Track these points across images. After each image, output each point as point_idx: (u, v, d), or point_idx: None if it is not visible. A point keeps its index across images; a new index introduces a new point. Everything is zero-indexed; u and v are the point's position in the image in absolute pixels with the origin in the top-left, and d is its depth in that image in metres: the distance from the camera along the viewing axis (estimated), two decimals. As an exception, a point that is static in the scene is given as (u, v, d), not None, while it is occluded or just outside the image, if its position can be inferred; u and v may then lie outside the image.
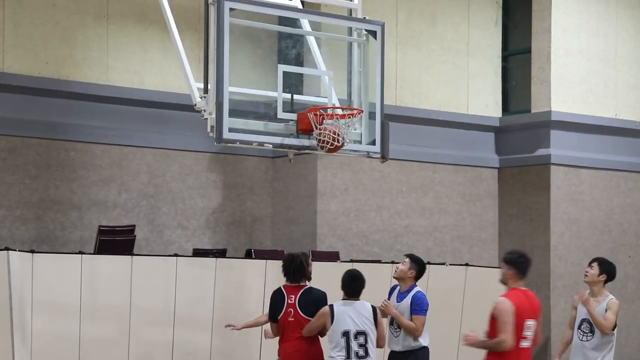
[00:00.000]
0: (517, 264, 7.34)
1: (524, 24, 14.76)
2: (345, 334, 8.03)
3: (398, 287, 8.81)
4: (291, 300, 8.14)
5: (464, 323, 12.64)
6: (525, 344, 7.13)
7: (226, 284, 11.09)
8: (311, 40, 10.61)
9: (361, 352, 8.08)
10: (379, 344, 8.25)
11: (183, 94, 11.33)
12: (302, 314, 8.13)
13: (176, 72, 12.39)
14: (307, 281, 8.29)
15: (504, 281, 7.38)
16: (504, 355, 7.04)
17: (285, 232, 13.65)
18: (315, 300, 8.16)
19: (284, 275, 8.27)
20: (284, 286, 8.26)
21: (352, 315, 8.04)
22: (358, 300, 8.19)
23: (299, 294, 8.16)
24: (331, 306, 8.09)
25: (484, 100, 14.70)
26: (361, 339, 8.08)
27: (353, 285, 8.18)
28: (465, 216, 14.45)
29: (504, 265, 7.38)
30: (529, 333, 7.15)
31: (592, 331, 8.74)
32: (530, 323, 7.15)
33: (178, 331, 10.80)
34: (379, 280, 10.17)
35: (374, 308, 8.23)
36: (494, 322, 7.08)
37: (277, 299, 8.23)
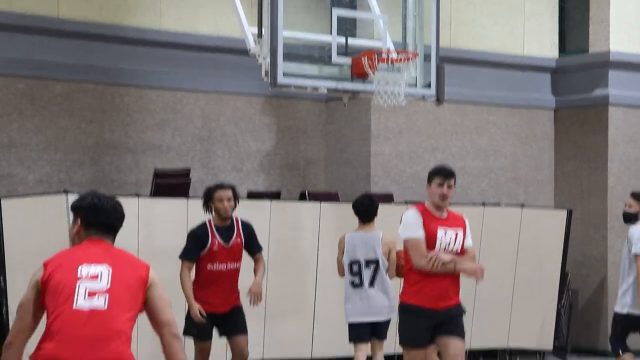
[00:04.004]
0: None
1: (581, -38, 14.45)
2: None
3: None
4: None
5: (519, 264, 12.61)
6: None
7: (281, 226, 11.15)
8: (365, -17, 10.51)
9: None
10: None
11: (236, 38, 11.29)
12: None
13: (229, 17, 12.35)
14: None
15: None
16: None
17: (338, 174, 13.66)
18: None
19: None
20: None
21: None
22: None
23: None
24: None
25: (541, 41, 14.48)
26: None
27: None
28: (521, 158, 14.34)
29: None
30: None
31: None
32: None
33: (234, 273, 10.88)
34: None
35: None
36: None
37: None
